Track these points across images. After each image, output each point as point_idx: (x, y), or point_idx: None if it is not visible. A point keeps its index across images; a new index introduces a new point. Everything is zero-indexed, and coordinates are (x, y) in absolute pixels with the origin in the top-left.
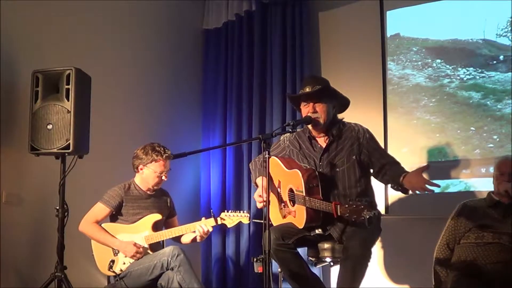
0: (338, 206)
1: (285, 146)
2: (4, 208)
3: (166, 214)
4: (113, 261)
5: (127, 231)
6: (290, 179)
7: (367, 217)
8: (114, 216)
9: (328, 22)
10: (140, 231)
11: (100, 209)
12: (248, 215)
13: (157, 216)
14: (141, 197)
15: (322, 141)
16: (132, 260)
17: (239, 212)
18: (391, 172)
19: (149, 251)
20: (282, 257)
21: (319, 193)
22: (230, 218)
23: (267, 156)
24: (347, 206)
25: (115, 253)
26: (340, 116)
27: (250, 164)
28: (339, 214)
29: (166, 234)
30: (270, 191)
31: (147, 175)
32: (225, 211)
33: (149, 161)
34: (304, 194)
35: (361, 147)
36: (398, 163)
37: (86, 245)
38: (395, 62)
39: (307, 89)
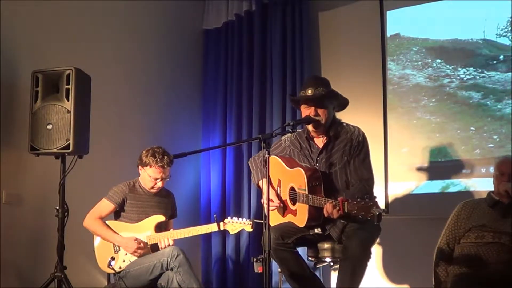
0: (346, 203)
1: (285, 146)
2: (4, 208)
3: (169, 215)
4: (113, 258)
5: (130, 230)
6: (292, 178)
7: (377, 213)
8: (117, 213)
9: (328, 22)
10: (143, 230)
11: (105, 205)
12: (251, 223)
13: (161, 218)
14: (146, 196)
15: (319, 142)
16: (132, 259)
17: (242, 219)
18: (352, 189)
19: (148, 248)
20: (281, 256)
21: (321, 192)
22: (233, 225)
23: (267, 156)
24: (355, 203)
25: (116, 250)
26: (340, 117)
27: (249, 162)
28: (346, 211)
29: (168, 235)
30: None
31: (144, 177)
32: (229, 217)
33: (145, 165)
34: (306, 193)
35: (351, 149)
36: (363, 185)
37: (86, 245)
38: (395, 62)
39: (309, 91)
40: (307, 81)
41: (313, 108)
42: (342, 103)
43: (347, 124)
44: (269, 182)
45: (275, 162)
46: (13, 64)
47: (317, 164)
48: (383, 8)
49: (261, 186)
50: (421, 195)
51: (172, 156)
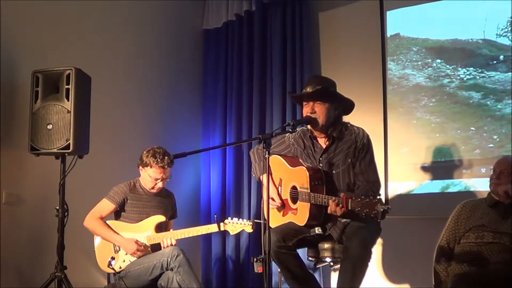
0: (349, 200)
1: (289, 144)
2: (4, 208)
3: (170, 215)
4: (113, 258)
5: (131, 230)
6: (294, 177)
7: (381, 210)
8: (118, 213)
9: (328, 22)
10: (143, 230)
11: (105, 205)
12: (252, 224)
13: (161, 218)
14: (146, 196)
15: (322, 142)
16: (132, 259)
17: (243, 220)
18: (358, 191)
19: (149, 250)
20: (283, 259)
21: (323, 191)
22: (233, 226)
23: (267, 156)
24: (359, 200)
25: (116, 250)
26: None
27: (251, 153)
28: (349, 208)
29: (168, 236)
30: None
31: (144, 177)
32: (229, 218)
33: (146, 165)
34: (309, 191)
35: (356, 151)
36: (370, 187)
37: (86, 245)
38: (395, 62)
39: (308, 89)
40: (308, 79)
41: (311, 104)
42: (346, 106)
43: (351, 125)
44: (270, 183)
45: (278, 162)
46: (13, 64)
47: (320, 164)
48: (383, 8)
49: (261, 180)
50: (421, 195)
51: (173, 156)
